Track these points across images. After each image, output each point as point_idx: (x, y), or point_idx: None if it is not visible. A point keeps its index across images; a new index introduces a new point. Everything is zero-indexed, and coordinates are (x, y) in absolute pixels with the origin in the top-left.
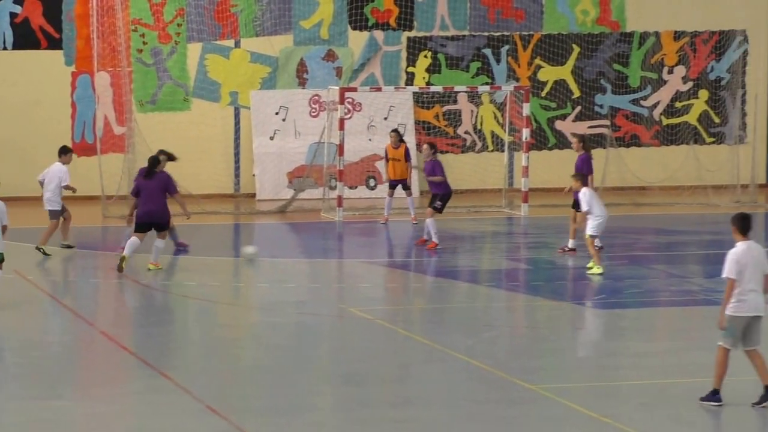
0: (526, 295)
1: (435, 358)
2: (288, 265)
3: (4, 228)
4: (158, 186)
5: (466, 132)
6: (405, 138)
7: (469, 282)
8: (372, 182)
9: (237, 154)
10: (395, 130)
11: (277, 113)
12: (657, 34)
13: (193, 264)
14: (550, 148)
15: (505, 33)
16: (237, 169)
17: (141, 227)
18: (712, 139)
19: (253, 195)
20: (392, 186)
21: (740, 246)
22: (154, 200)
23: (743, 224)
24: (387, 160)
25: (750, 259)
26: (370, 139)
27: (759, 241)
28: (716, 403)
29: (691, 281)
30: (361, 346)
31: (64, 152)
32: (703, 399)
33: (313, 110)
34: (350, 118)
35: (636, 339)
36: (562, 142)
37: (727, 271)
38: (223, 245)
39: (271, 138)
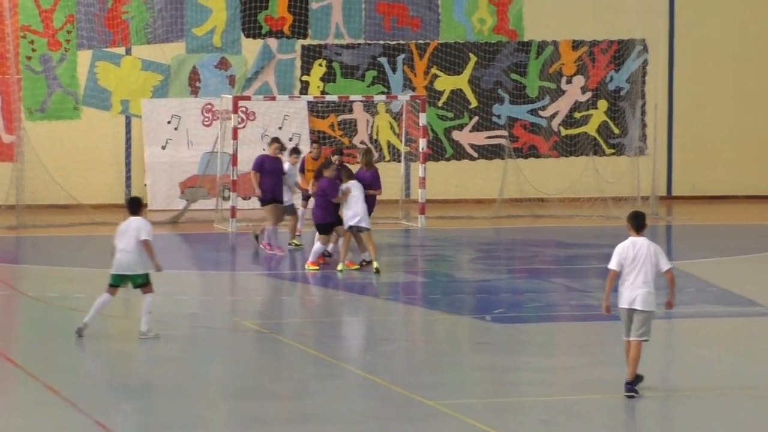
0: (423, 308)
1: (331, 373)
2: (180, 276)
3: (146, 243)
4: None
5: (362, 142)
6: (300, 148)
7: (366, 295)
8: None
9: (128, 164)
10: (317, 141)
11: (169, 122)
12: (555, 43)
13: (83, 276)
14: (448, 159)
15: (401, 42)
16: (128, 179)
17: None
18: (612, 150)
19: (145, 205)
20: (307, 197)
21: (627, 241)
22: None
23: (636, 221)
24: (304, 171)
25: (632, 254)
26: (264, 149)
27: None
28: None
29: (591, 295)
30: (255, 361)
31: None
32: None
33: (206, 119)
34: (244, 127)
35: (537, 354)
36: (460, 153)
37: (610, 262)
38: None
39: (163, 147)
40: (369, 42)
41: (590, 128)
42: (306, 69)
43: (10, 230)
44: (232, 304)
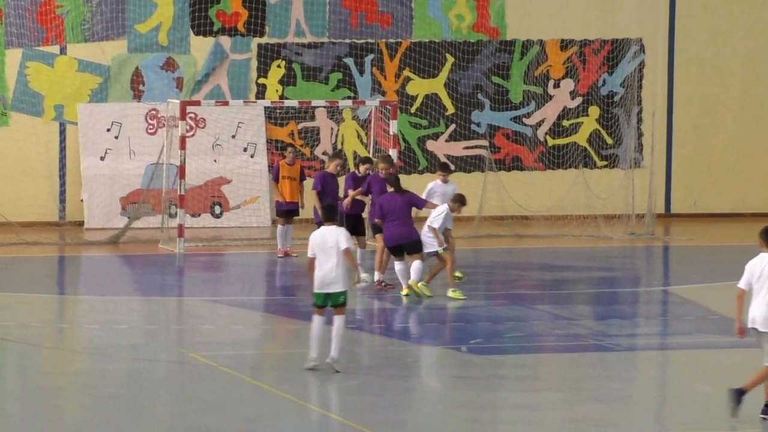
0: (392, 338)
1: (288, 410)
2: (120, 304)
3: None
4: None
5: (324, 153)
6: (255, 159)
7: (328, 324)
8: (218, 209)
9: (63, 176)
10: (292, 146)
11: (108, 130)
12: (541, 42)
13: (11, 301)
14: (421, 172)
15: (370, 40)
16: (63, 193)
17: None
18: (604, 163)
19: (81, 223)
20: (287, 212)
21: (757, 257)
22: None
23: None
24: (277, 179)
25: (758, 270)
26: (215, 160)
27: (654, 280)
28: None
29: (579, 324)
30: (204, 397)
31: None
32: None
33: (151, 127)
34: (193, 135)
35: (517, 389)
36: (435, 165)
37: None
38: (46, 281)
39: (102, 158)
40: (334, 41)
41: (580, 138)
42: (263, 71)
43: None
44: (179, 333)
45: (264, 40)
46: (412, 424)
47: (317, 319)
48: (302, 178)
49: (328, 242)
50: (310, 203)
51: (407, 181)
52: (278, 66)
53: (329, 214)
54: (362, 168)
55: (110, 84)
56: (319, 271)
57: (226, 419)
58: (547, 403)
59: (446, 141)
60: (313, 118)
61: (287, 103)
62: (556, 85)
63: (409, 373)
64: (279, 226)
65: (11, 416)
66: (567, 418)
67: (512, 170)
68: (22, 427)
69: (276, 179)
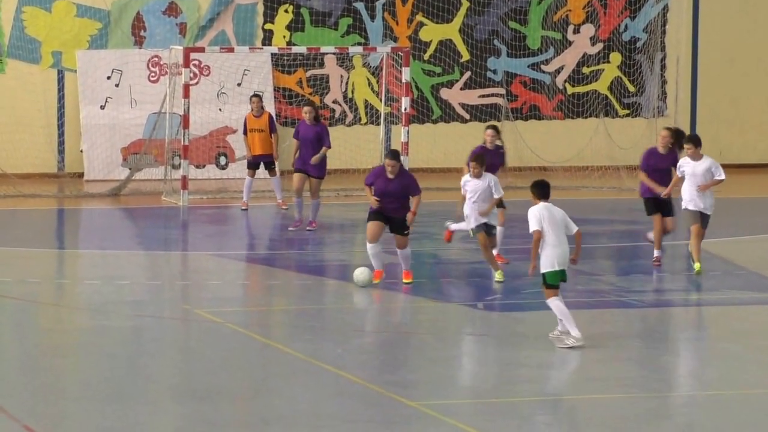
0: (405, 294)
1: (298, 369)
2: (122, 258)
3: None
4: None
5: (335, 101)
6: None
7: (338, 279)
8: (223, 160)
9: (61, 126)
10: (256, 95)
11: (109, 77)
12: None
13: (8, 256)
14: (435, 121)
15: None
16: (61, 143)
17: None
18: (626, 112)
19: (81, 175)
20: (254, 165)
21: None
22: None
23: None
24: (246, 132)
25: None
26: (220, 109)
27: (678, 233)
28: None
29: (600, 279)
30: (210, 356)
31: None
32: None
33: (153, 74)
34: (197, 84)
35: (537, 347)
36: (449, 114)
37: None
38: (45, 235)
39: (102, 107)
40: None
41: (601, 85)
42: (270, 15)
43: None
44: (183, 289)
45: None
46: (426, 383)
47: (560, 300)
48: (272, 128)
49: (558, 218)
50: (289, 154)
51: (419, 131)
52: (285, 11)
53: (546, 190)
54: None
55: (110, 30)
56: (557, 248)
57: (234, 378)
58: (567, 362)
59: (461, 89)
60: (322, 65)
61: (295, 49)
62: (576, 31)
63: (421, 330)
64: (246, 178)
65: (9, 375)
66: (588, 377)
67: (530, 119)
68: (20, 387)
69: (245, 132)
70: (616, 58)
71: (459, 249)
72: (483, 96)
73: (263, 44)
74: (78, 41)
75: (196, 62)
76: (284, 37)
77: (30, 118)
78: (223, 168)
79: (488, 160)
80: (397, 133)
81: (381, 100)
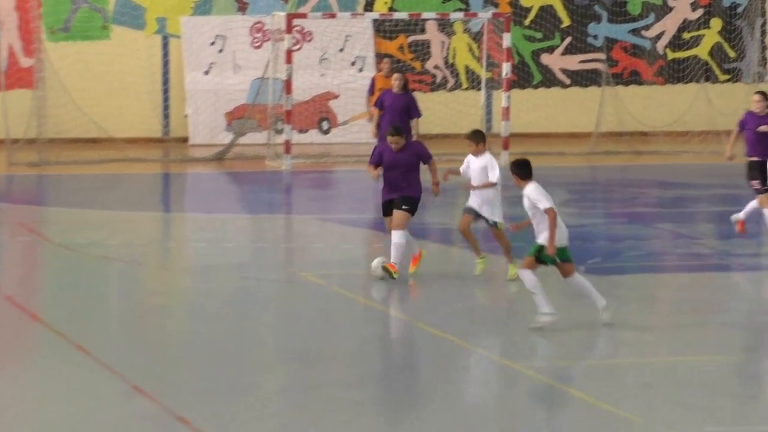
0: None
1: (400, 329)
2: (227, 221)
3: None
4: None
5: (436, 67)
6: (364, 74)
7: (446, 244)
8: (325, 125)
9: (166, 92)
10: (388, 55)
11: (212, 43)
12: None
13: (114, 219)
14: (535, 86)
15: None
16: (166, 108)
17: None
18: (727, 77)
19: (185, 139)
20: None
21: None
22: None
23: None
24: (372, 91)
25: None
26: (322, 75)
27: None
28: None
29: (701, 243)
30: (313, 317)
31: None
32: None
33: (256, 40)
34: (299, 49)
35: (636, 310)
36: (549, 79)
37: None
38: (150, 198)
39: (206, 72)
40: None
41: (701, 51)
42: None
43: (31, 167)
44: (287, 252)
45: None
46: (527, 345)
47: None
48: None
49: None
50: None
51: (520, 96)
52: None
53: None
54: None
55: None
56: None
57: (337, 340)
58: (663, 326)
59: (561, 54)
60: (423, 31)
61: (396, 15)
62: None
63: (523, 294)
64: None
65: (116, 336)
66: (683, 341)
67: (630, 84)
68: (128, 348)
69: (371, 92)
70: (716, 23)
71: (561, 213)
72: (583, 61)
73: (365, 10)
74: (182, 7)
75: (299, 28)
76: (386, 2)
77: (135, 84)
78: (325, 133)
79: None
80: (497, 98)
81: (482, 66)
